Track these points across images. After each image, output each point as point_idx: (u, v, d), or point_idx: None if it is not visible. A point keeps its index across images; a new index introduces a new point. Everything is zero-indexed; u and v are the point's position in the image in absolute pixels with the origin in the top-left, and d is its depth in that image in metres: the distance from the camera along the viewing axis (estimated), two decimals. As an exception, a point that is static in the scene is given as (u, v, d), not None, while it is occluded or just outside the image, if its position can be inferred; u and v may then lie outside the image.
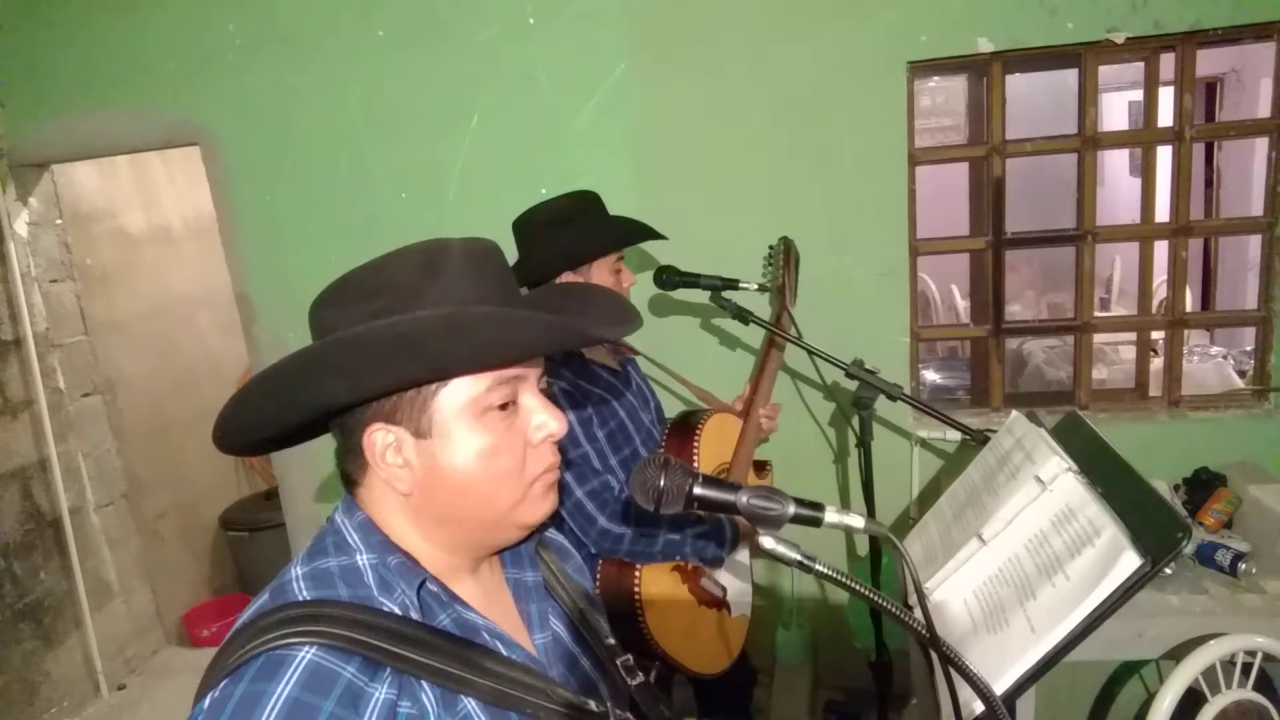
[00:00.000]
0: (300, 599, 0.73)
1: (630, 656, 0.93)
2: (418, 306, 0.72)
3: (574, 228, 1.74)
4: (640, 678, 0.92)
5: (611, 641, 0.94)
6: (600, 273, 1.73)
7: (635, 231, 1.83)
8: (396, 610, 0.74)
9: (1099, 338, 2.79)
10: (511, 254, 1.83)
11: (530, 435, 0.80)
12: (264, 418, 0.77)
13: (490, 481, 0.78)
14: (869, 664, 1.99)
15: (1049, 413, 1.76)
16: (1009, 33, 2.19)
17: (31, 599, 2.84)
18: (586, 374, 1.75)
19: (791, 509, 0.81)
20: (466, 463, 0.76)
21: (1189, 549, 1.80)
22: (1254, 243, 2.63)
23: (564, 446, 1.63)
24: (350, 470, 0.81)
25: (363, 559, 0.76)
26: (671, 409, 2.07)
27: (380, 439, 0.76)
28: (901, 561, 0.88)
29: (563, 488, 1.65)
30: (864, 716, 2.45)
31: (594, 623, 0.94)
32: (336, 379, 0.73)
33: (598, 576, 1.72)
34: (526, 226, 1.78)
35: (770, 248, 2.07)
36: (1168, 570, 1.72)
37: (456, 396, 0.76)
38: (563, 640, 0.90)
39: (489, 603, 0.85)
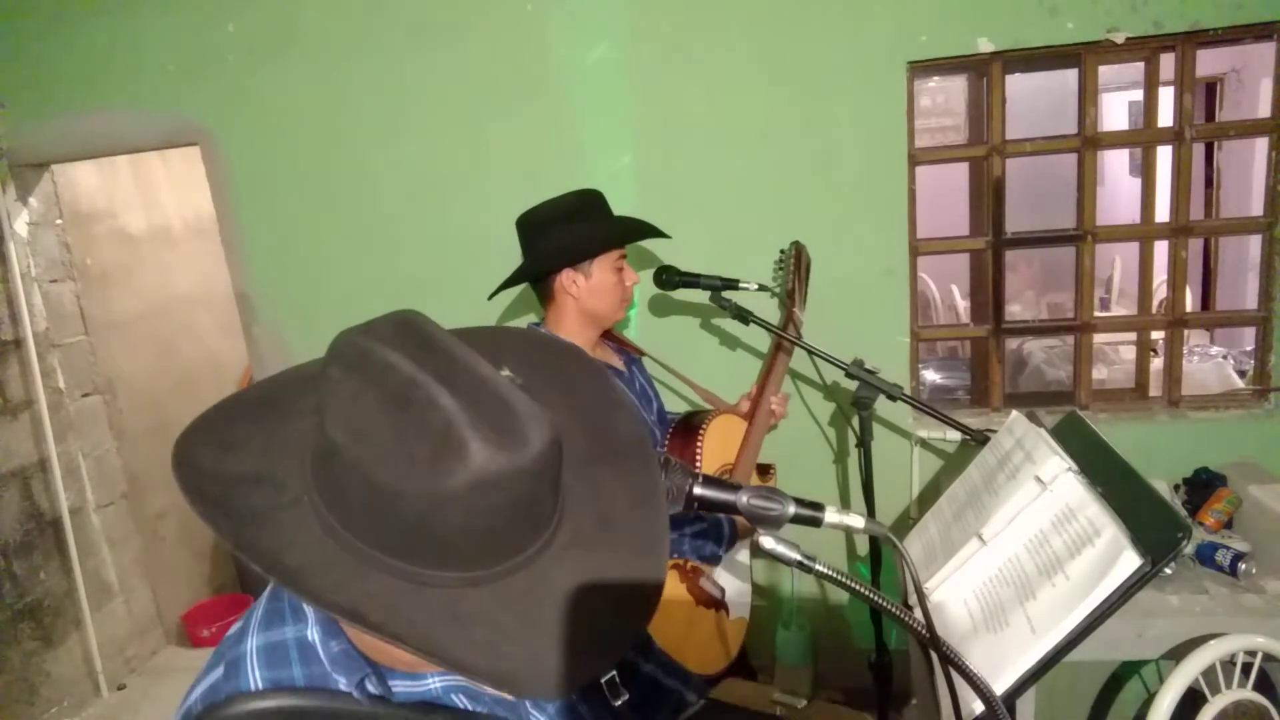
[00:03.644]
0: (252, 688, 0.67)
1: (615, 673, 0.89)
2: (402, 492, 0.60)
3: (576, 224, 1.75)
4: (625, 696, 0.88)
5: None
6: (602, 270, 1.73)
7: (637, 229, 1.83)
8: (353, 691, 0.69)
9: (1099, 338, 2.79)
10: (515, 251, 1.84)
11: None
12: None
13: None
14: (869, 664, 1.99)
15: (1049, 413, 1.76)
16: (1009, 33, 2.19)
17: (31, 599, 2.84)
18: None
19: (791, 509, 0.81)
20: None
21: (1189, 549, 1.80)
22: (1254, 243, 2.63)
23: None
24: None
25: (313, 633, 0.71)
26: (676, 409, 2.06)
27: None
28: (901, 561, 0.88)
29: None
30: (864, 716, 2.45)
31: None
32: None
33: None
34: (529, 224, 1.78)
35: (781, 251, 2.07)
36: (1168, 570, 1.72)
37: None
38: None
39: None
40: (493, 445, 0.60)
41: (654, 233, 1.83)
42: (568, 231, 1.73)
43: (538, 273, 1.76)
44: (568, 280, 1.72)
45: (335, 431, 0.61)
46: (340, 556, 0.62)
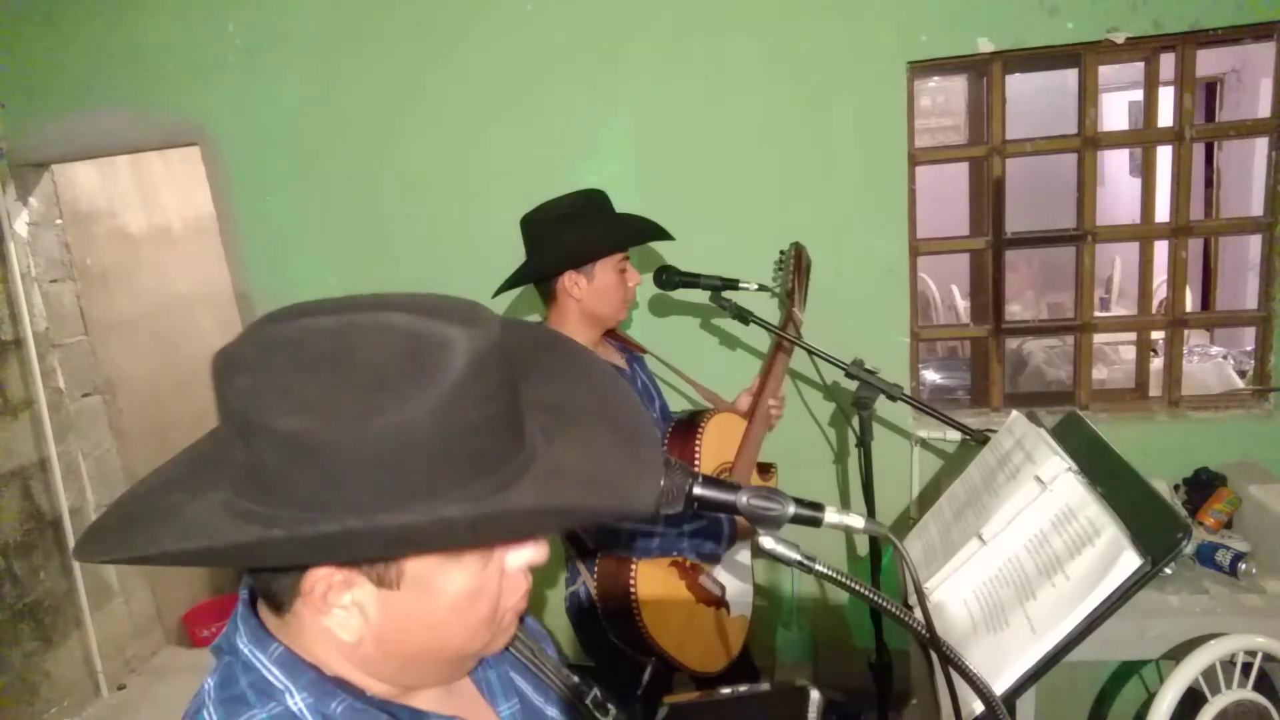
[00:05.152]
0: None
1: (598, 692, 0.87)
2: (396, 420, 0.53)
3: (580, 225, 1.74)
4: (612, 713, 0.87)
5: (575, 679, 0.87)
6: (605, 272, 1.73)
7: (641, 231, 1.82)
8: None
9: (1099, 338, 2.79)
10: (515, 250, 1.83)
11: (508, 563, 0.67)
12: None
13: (466, 630, 0.66)
14: (869, 664, 1.99)
15: (1049, 413, 1.76)
16: (1009, 33, 2.19)
17: (31, 599, 2.84)
18: None
19: (791, 509, 0.81)
20: (441, 613, 0.63)
21: (1189, 549, 1.80)
22: (1254, 243, 2.63)
23: None
24: (274, 589, 0.63)
25: (296, 702, 0.62)
26: (677, 409, 2.06)
27: (324, 582, 0.60)
28: (901, 561, 0.88)
29: None
30: (864, 716, 2.45)
31: (552, 664, 0.86)
32: (280, 558, 0.59)
33: (595, 572, 1.73)
34: (534, 224, 1.78)
35: (781, 252, 2.07)
36: (1168, 570, 1.72)
37: None
38: (528, 698, 0.82)
39: (446, 695, 0.74)
40: (465, 327, 0.57)
41: (658, 235, 1.83)
42: (571, 233, 1.73)
43: (541, 275, 1.76)
44: (570, 282, 1.72)
45: (288, 423, 0.53)
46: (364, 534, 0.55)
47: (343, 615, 0.61)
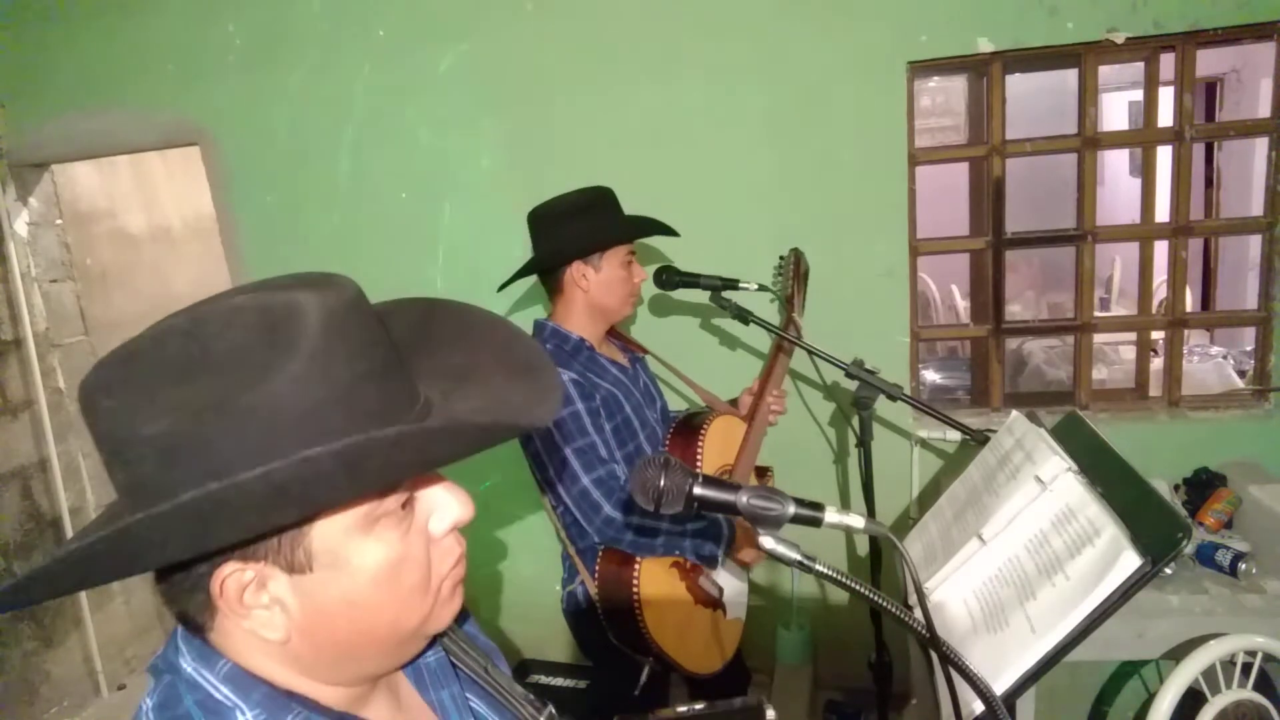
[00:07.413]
0: None
1: (553, 708, 0.85)
2: (263, 395, 0.53)
3: (589, 218, 1.78)
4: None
5: (531, 697, 0.85)
6: (611, 265, 1.77)
7: (648, 225, 1.87)
8: None
9: (1099, 338, 2.79)
10: (515, 250, 1.84)
11: (432, 528, 0.65)
12: (57, 593, 0.58)
13: (396, 603, 0.63)
14: (869, 664, 1.99)
15: (1049, 413, 1.76)
16: (1009, 33, 2.19)
17: (31, 599, 2.85)
18: (595, 367, 1.79)
19: (791, 509, 0.81)
20: (363, 589, 0.60)
21: (1189, 549, 1.80)
22: (1254, 243, 2.63)
23: (571, 435, 1.65)
24: (189, 610, 0.60)
25: (247, 718, 0.60)
26: (675, 408, 2.06)
27: (234, 581, 0.57)
28: (901, 561, 0.88)
29: (569, 475, 1.66)
30: (864, 716, 2.45)
31: (506, 682, 0.84)
32: (165, 551, 0.54)
33: (596, 570, 1.73)
34: (542, 217, 1.81)
35: (781, 258, 2.08)
36: (1168, 570, 1.72)
37: (342, 517, 0.59)
38: (483, 718, 0.81)
39: (398, 713, 0.73)
40: (315, 290, 0.58)
41: (664, 229, 1.86)
42: (580, 225, 1.76)
43: (550, 265, 1.78)
44: (578, 273, 1.75)
45: (156, 426, 0.52)
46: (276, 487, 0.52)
47: (264, 615, 0.59)
